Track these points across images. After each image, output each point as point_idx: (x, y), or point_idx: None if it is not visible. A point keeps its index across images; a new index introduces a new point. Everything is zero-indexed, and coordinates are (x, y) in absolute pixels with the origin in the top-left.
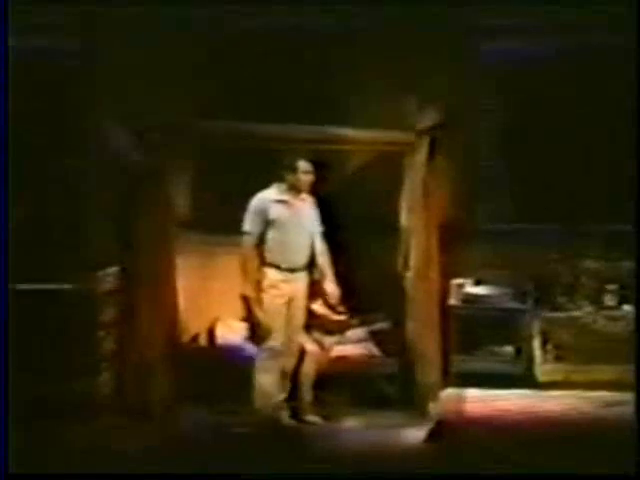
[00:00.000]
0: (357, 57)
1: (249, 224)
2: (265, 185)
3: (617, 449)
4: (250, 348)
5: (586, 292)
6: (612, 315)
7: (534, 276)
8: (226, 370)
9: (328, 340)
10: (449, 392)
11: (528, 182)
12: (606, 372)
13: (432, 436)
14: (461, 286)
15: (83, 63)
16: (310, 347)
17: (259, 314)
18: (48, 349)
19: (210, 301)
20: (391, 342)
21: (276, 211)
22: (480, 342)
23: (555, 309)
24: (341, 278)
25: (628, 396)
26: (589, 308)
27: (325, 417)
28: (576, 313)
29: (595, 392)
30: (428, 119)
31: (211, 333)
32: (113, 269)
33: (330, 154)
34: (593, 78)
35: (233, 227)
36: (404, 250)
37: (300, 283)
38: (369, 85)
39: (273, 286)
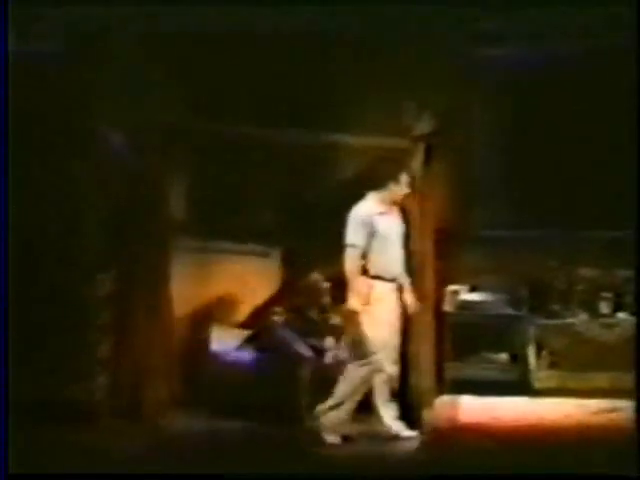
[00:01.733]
0: (353, 63)
1: (355, 237)
2: (262, 191)
3: (611, 455)
4: (245, 354)
5: (581, 299)
6: (607, 323)
7: (529, 283)
8: (221, 375)
9: (323, 344)
10: (444, 399)
11: (524, 189)
12: (601, 379)
13: (426, 443)
14: (456, 293)
15: (80, 65)
16: (305, 352)
17: (368, 328)
18: (43, 352)
19: (206, 306)
20: None
21: (380, 223)
22: (475, 349)
23: (550, 316)
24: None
25: (622, 403)
26: (584, 315)
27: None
28: (571, 320)
29: (590, 399)
30: (424, 125)
31: (206, 338)
32: (109, 273)
33: (325, 159)
34: (592, 83)
35: (229, 233)
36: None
37: (397, 292)
38: (365, 91)
39: (381, 298)
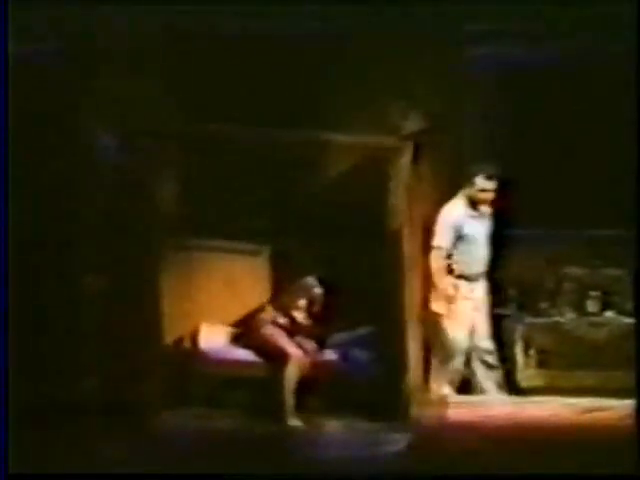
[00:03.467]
0: (341, 61)
1: (442, 239)
2: (251, 189)
3: (601, 454)
4: (234, 352)
5: (569, 298)
6: (594, 321)
7: (517, 282)
8: (209, 373)
9: (311, 344)
10: (432, 397)
11: (511, 188)
12: (589, 378)
13: (414, 441)
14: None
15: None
16: (293, 351)
17: (448, 330)
18: (35, 353)
19: (195, 304)
20: (374, 347)
21: (470, 226)
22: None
23: (538, 315)
24: (326, 284)
25: (610, 402)
26: (572, 314)
27: (307, 422)
28: (559, 319)
29: (578, 398)
30: (413, 124)
31: (195, 337)
32: (98, 272)
33: (313, 158)
34: (587, 82)
35: (219, 231)
36: (389, 256)
37: (482, 290)
38: (353, 90)
39: (465, 297)
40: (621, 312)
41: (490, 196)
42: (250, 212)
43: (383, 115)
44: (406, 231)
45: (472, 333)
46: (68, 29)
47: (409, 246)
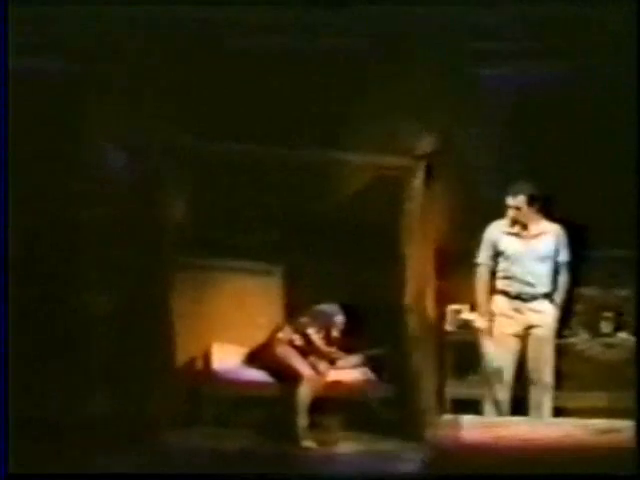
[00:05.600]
0: (354, 81)
1: (480, 255)
2: (263, 208)
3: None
4: (246, 372)
5: (582, 319)
6: (608, 342)
7: None
8: (222, 393)
9: (324, 365)
10: (445, 418)
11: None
12: (602, 399)
13: (428, 462)
14: (457, 312)
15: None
16: (306, 371)
17: (489, 350)
18: (43, 370)
19: (206, 324)
20: (387, 367)
21: (506, 243)
22: (476, 368)
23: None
24: (347, 310)
25: (624, 424)
26: (585, 335)
27: (321, 442)
28: (572, 340)
29: (591, 419)
30: (425, 145)
31: (207, 357)
32: (109, 292)
33: (326, 177)
34: (593, 103)
35: (230, 250)
36: (401, 276)
37: (540, 313)
38: (366, 109)
39: (503, 314)
40: (635, 333)
41: (514, 213)
42: (262, 231)
43: (396, 135)
44: (419, 251)
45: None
46: (70, 44)
47: (422, 266)
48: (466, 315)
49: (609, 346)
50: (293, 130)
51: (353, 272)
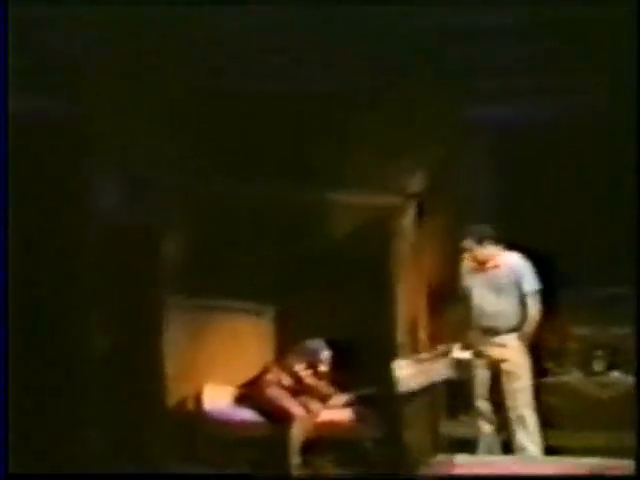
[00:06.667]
0: (346, 120)
1: (460, 289)
2: (254, 248)
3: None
4: (239, 412)
5: (575, 357)
6: (601, 381)
7: None
8: (214, 433)
9: (315, 404)
10: (439, 457)
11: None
12: (595, 438)
13: None
14: (449, 350)
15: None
16: (298, 411)
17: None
18: (36, 413)
19: (198, 365)
20: (379, 406)
21: (468, 278)
22: (469, 407)
23: (544, 374)
24: (333, 346)
25: (617, 462)
26: (578, 374)
27: None
28: (565, 378)
29: (585, 457)
30: (416, 183)
31: (199, 397)
32: (103, 332)
33: (317, 217)
34: (587, 143)
35: (222, 291)
36: (393, 313)
37: (506, 348)
38: (358, 148)
39: (476, 350)
40: (627, 371)
41: (468, 253)
42: (254, 271)
43: (387, 174)
44: (411, 288)
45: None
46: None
47: (414, 303)
48: (457, 353)
49: (602, 385)
50: (284, 171)
51: (345, 311)
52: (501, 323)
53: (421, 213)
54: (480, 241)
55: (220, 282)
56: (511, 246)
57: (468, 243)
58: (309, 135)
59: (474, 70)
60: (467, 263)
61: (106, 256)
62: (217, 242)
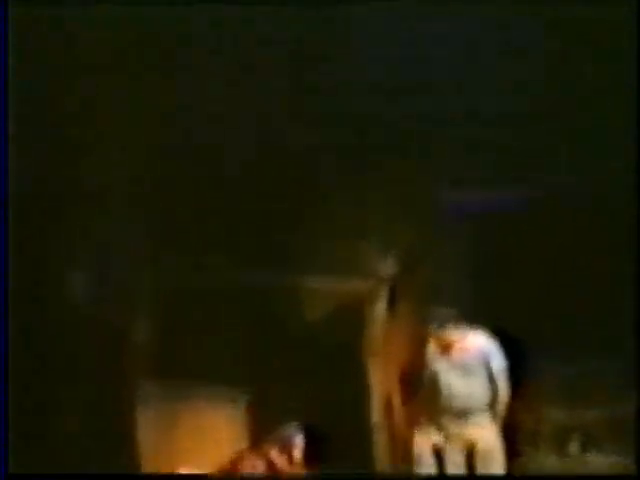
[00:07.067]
0: (317, 204)
1: (426, 375)
2: (228, 335)
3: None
4: None
5: (549, 440)
6: (576, 463)
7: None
8: None
9: None
10: None
11: (491, 327)
12: None
13: None
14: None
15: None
16: None
17: None
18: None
19: (171, 451)
20: None
21: (436, 362)
22: None
23: (518, 455)
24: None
25: None
26: (553, 456)
27: None
28: (540, 461)
29: None
30: (388, 267)
31: None
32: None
33: (289, 303)
34: (566, 227)
35: (194, 378)
36: (367, 397)
37: (479, 428)
38: (328, 232)
39: (450, 433)
40: (602, 452)
41: (446, 341)
42: (227, 357)
43: (358, 258)
44: (384, 373)
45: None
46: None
47: (388, 388)
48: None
49: (577, 467)
50: (255, 256)
51: (320, 397)
52: (472, 404)
53: (394, 297)
54: (443, 324)
55: (193, 368)
56: (476, 326)
57: (432, 327)
58: (280, 219)
59: (448, 152)
60: (432, 347)
61: (76, 342)
62: (189, 328)
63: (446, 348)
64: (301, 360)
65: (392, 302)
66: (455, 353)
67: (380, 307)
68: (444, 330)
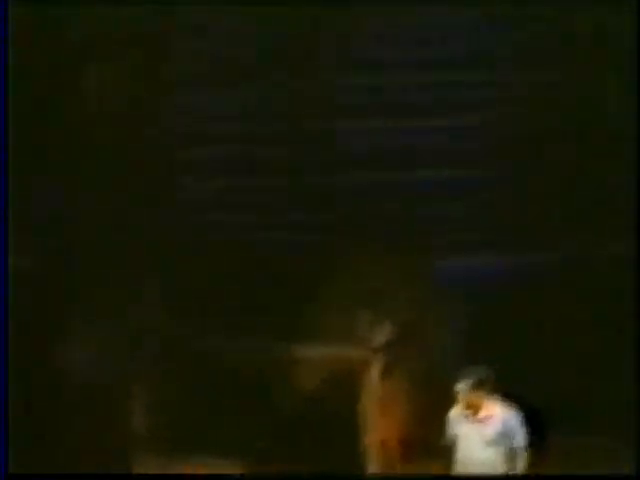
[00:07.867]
0: (310, 273)
1: (446, 437)
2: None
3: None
4: None
5: None
6: None
7: None
8: None
9: None
10: None
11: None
12: None
13: None
14: None
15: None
16: None
17: None
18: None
19: None
20: None
21: (459, 426)
22: None
23: None
24: None
25: None
26: None
27: None
28: None
29: None
30: (382, 335)
31: None
32: None
33: (284, 372)
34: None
35: (194, 451)
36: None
37: None
38: (323, 302)
39: None
40: None
41: (462, 397)
42: (222, 430)
43: (352, 327)
44: (381, 440)
45: None
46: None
47: (385, 456)
48: None
49: None
50: (247, 324)
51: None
52: (487, 472)
53: (387, 365)
54: (476, 386)
55: (192, 442)
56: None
57: (461, 387)
58: (276, 287)
59: (443, 223)
60: (458, 409)
61: (72, 410)
62: (183, 401)
63: (474, 412)
64: (297, 431)
65: (387, 370)
66: (481, 420)
67: (375, 375)
68: (473, 392)
